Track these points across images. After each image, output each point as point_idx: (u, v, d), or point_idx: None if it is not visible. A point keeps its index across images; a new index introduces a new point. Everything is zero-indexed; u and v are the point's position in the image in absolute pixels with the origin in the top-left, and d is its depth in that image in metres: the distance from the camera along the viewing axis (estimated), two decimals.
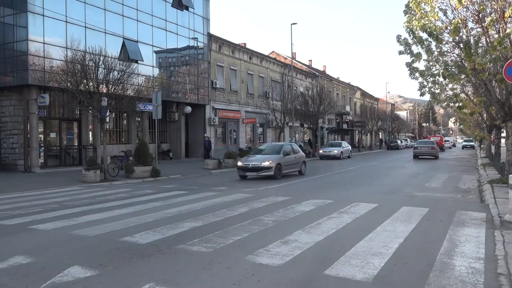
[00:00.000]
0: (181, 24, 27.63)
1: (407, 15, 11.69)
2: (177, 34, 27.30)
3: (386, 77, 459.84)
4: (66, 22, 20.05)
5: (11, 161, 20.10)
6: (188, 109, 28.50)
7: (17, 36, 19.15)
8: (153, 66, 25.42)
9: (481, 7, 11.14)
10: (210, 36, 30.48)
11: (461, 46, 11.37)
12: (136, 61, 22.70)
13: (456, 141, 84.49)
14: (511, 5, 10.49)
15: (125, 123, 25.85)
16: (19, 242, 6.25)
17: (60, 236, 6.54)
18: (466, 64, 11.66)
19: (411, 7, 11.52)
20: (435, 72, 12.60)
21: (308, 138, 44.39)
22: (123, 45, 23.04)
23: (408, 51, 12.28)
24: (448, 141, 61.19)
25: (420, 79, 13.03)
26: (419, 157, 30.73)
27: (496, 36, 11.29)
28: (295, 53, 49.78)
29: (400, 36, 12.28)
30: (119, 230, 6.89)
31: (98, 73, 15.70)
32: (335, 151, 32.02)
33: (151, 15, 25.11)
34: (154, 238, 6.25)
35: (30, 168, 19.30)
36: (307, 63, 54.74)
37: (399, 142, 57.96)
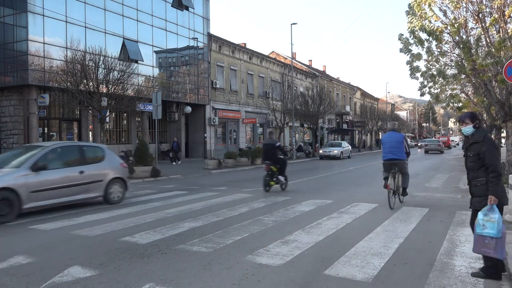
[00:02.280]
0: (181, 24, 27.65)
1: (409, 16, 11.71)
2: (177, 34, 27.31)
3: (386, 77, 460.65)
4: (66, 22, 20.06)
5: None
6: (188, 109, 28.51)
7: (17, 36, 19.16)
8: (153, 66, 25.43)
9: (481, 6, 11.15)
10: (210, 36, 30.49)
11: (461, 46, 11.37)
12: (136, 61, 22.71)
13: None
14: (510, 5, 10.49)
15: (125, 123, 25.86)
16: (19, 242, 6.25)
17: (60, 236, 6.54)
18: (466, 64, 11.66)
19: (412, 7, 11.54)
20: (435, 72, 12.60)
21: (307, 139, 44.50)
22: (123, 45, 23.05)
23: (407, 50, 12.30)
24: (453, 140, 73.40)
25: (421, 79, 13.05)
26: (429, 152, 40.93)
27: (496, 36, 11.29)
28: (295, 53, 49.82)
29: (402, 34, 12.31)
30: (119, 230, 6.89)
31: (98, 73, 15.72)
32: (335, 151, 32.03)
33: (151, 15, 25.12)
34: (154, 238, 6.25)
35: None
36: (307, 63, 54.74)
37: None
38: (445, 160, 28.51)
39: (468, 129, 4.54)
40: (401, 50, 12.41)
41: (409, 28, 11.59)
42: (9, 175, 7.78)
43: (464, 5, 11.56)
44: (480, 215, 4.24)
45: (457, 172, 18.89)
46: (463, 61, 11.88)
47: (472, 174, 4.49)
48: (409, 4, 11.71)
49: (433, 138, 61.32)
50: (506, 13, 10.62)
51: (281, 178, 11.93)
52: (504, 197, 4.35)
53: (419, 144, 58.79)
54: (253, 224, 7.20)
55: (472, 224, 4.52)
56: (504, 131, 14.16)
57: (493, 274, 4.33)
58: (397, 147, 8.88)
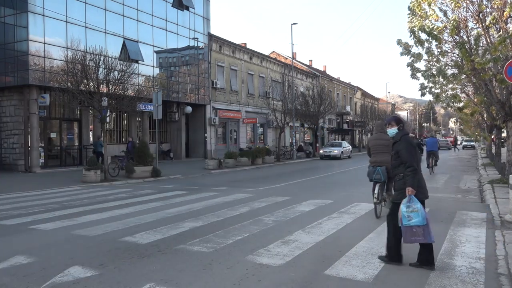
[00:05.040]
0: (181, 24, 27.65)
1: (409, 16, 11.70)
2: (177, 34, 27.31)
3: (387, 77, 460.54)
4: (66, 22, 20.06)
5: (11, 161, 20.11)
6: (189, 109, 28.51)
7: (18, 36, 19.16)
8: (153, 66, 25.43)
9: (481, 7, 11.14)
10: (211, 36, 30.49)
11: (460, 47, 11.35)
12: (137, 61, 22.71)
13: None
14: (510, 4, 10.48)
15: (125, 123, 25.86)
16: (20, 242, 6.25)
17: (61, 236, 6.54)
18: (465, 64, 11.65)
19: (412, 8, 11.53)
20: (435, 72, 12.60)
21: (308, 139, 44.56)
22: (124, 45, 23.05)
23: (407, 52, 12.30)
24: (457, 139, 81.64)
25: (421, 79, 13.05)
26: (440, 148, 44.01)
27: (497, 36, 11.28)
28: (295, 53, 49.79)
29: (401, 40, 12.31)
30: (119, 230, 6.89)
31: (99, 73, 15.70)
32: (336, 151, 32.02)
33: (151, 15, 25.13)
34: (155, 238, 6.25)
35: (31, 168, 19.31)
36: (308, 63, 54.71)
37: None
38: (445, 160, 28.47)
39: (393, 130, 5.10)
40: (402, 54, 12.41)
41: (409, 28, 11.59)
42: None
43: (464, 5, 11.55)
44: (403, 208, 4.61)
45: (457, 172, 18.89)
46: (463, 61, 11.88)
47: (394, 171, 4.91)
48: (409, 6, 11.70)
49: (443, 138, 71.36)
50: (505, 13, 10.61)
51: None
52: (421, 192, 4.74)
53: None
54: (254, 224, 7.20)
55: (389, 216, 4.92)
56: (505, 131, 14.15)
57: (425, 263, 4.68)
58: (434, 145, 18.68)
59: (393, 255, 4.83)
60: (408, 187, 4.60)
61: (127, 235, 6.49)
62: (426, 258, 4.66)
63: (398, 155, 4.81)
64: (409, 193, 4.58)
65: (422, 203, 4.72)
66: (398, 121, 5.14)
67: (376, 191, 7.75)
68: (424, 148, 23.71)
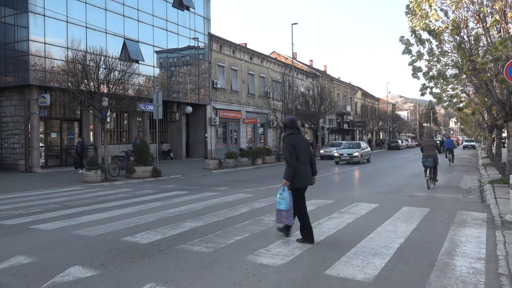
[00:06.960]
0: (182, 24, 27.67)
1: (409, 16, 11.70)
2: (177, 34, 27.32)
3: (387, 77, 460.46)
4: (67, 22, 20.09)
5: (12, 161, 20.13)
6: (189, 109, 28.51)
7: (18, 36, 19.18)
8: (153, 66, 25.45)
9: (482, 8, 11.13)
10: (211, 36, 30.50)
11: (457, 48, 11.36)
12: (137, 61, 22.72)
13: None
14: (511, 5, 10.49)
15: (126, 123, 25.88)
16: (20, 242, 6.26)
17: (61, 236, 6.54)
18: (464, 65, 11.65)
19: (411, 7, 11.52)
20: (435, 74, 12.61)
21: (308, 139, 44.54)
22: (124, 45, 23.07)
23: (408, 51, 12.31)
24: (460, 139, 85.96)
25: (422, 79, 13.06)
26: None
27: (497, 36, 11.27)
28: (296, 53, 49.77)
29: (403, 36, 12.32)
30: (120, 230, 6.90)
31: (99, 73, 15.72)
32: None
33: (152, 15, 25.14)
34: (155, 238, 6.25)
35: (31, 168, 19.32)
36: (308, 63, 54.69)
37: (399, 142, 58.00)
38: (446, 160, 28.45)
39: (286, 131, 5.99)
40: (403, 52, 12.42)
41: (409, 27, 11.59)
42: None
43: (465, 5, 11.55)
44: (277, 194, 5.83)
45: (457, 172, 18.87)
46: (462, 61, 11.88)
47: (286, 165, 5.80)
48: (408, 5, 11.70)
49: (449, 138, 77.35)
50: (508, 14, 10.60)
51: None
52: (296, 182, 5.73)
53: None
54: (254, 224, 7.20)
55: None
56: (506, 131, 14.14)
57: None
58: (450, 144, 24.73)
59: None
60: (283, 179, 5.72)
61: (127, 235, 6.49)
62: (306, 235, 5.83)
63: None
64: (283, 183, 5.73)
65: (301, 189, 5.84)
66: (284, 124, 6.12)
67: (427, 173, 12.56)
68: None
